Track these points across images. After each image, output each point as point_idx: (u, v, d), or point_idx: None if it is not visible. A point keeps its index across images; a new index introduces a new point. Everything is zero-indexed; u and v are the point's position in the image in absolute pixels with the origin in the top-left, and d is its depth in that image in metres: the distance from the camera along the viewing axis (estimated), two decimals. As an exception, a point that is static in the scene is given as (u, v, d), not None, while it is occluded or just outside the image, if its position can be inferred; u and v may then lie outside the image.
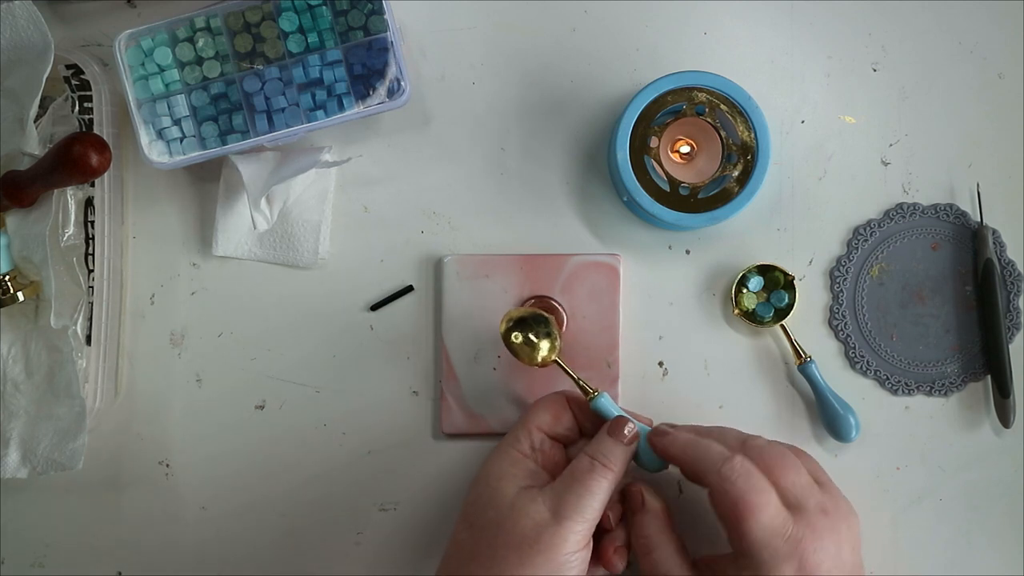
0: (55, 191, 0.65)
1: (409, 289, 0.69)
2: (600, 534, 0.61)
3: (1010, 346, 0.68)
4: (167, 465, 0.69)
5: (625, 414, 0.62)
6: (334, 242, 0.69)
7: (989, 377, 0.68)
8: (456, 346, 0.68)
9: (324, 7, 0.64)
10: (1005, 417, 0.67)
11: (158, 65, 0.64)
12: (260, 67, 0.64)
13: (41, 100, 0.64)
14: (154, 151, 0.65)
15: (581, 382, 0.62)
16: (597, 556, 0.62)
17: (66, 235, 0.66)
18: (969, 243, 0.69)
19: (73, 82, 0.66)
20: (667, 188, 0.65)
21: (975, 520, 0.68)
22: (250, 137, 0.65)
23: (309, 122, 0.65)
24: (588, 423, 0.63)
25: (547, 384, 0.67)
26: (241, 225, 0.68)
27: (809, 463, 0.61)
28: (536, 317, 0.63)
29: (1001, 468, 0.68)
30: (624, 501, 0.63)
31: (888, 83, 0.69)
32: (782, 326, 0.68)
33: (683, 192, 0.65)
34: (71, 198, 0.66)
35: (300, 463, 0.69)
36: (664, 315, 0.69)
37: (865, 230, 0.69)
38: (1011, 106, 0.69)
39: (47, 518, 0.69)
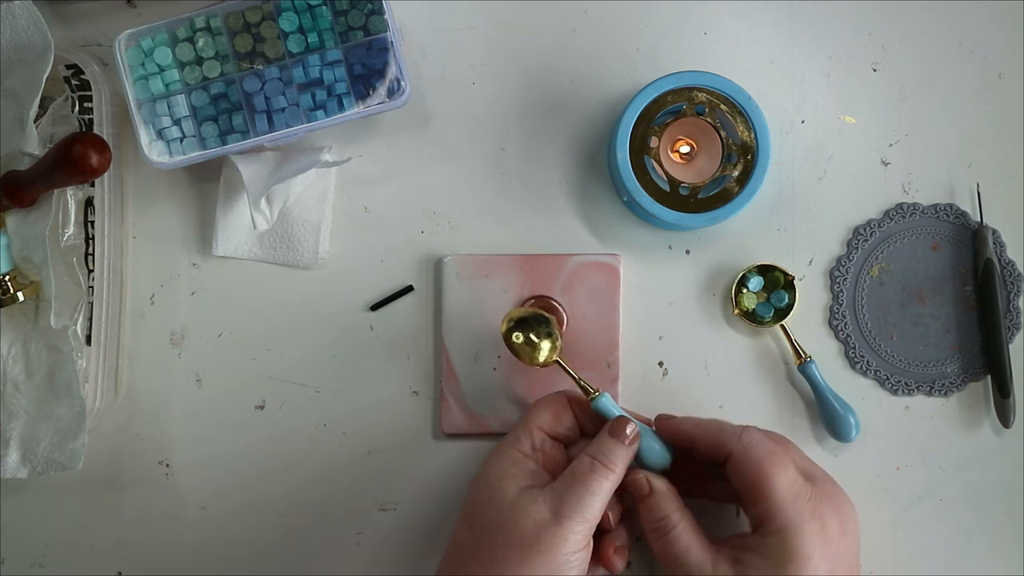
0: (55, 191, 0.65)
1: (409, 289, 0.69)
2: (600, 534, 0.61)
3: (1010, 346, 0.68)
4: (167, 465, 0.69)
5: (626, 414, 0.62)
6: (334, 242, 0.69)
7: (989, 377, 0.68)
8: (456, 346, 0.68)
9: (324, 7, 0.64)
10: (1005, 417, 0.67)
11: (158, 65, 0.64)
12: (260, 67, 0.64)
13: (41, 100, 0.64)
14: (154, 151, 0.65)
15: (582, 382, 0.62)
16: (597, 556, 0.62)
17: (66, 235, 0.65)
18: (969, 243, 0.69)
19: (73, 82, 0.66)
20: (667, 188, 0.65)
21: (975, 520, 0.68)
22: (250, 137, 0.65)
23: (309, 122, 0.65)
24: (589, 423, 0.63)
25: (548, 384, 0.67)
26: (241, 225, 0.68)
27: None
28: (537, 317, 0.63)
29: (1001, 468, 0.68)
30: (623, 497, 0.63)
31: (888, 83, 0.69)
32: (782, 326, 0.68)
33: (683, 192, 0.65)
34: (71, 198, 0.66)
35: (300, 463, 0.69)
36: (664, 315, 0.69)
37: (865, 230, 0.69)
38: (1011, 106, 0.69)
39: (47, 518, 0.69)
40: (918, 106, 0.69)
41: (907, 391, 0.69)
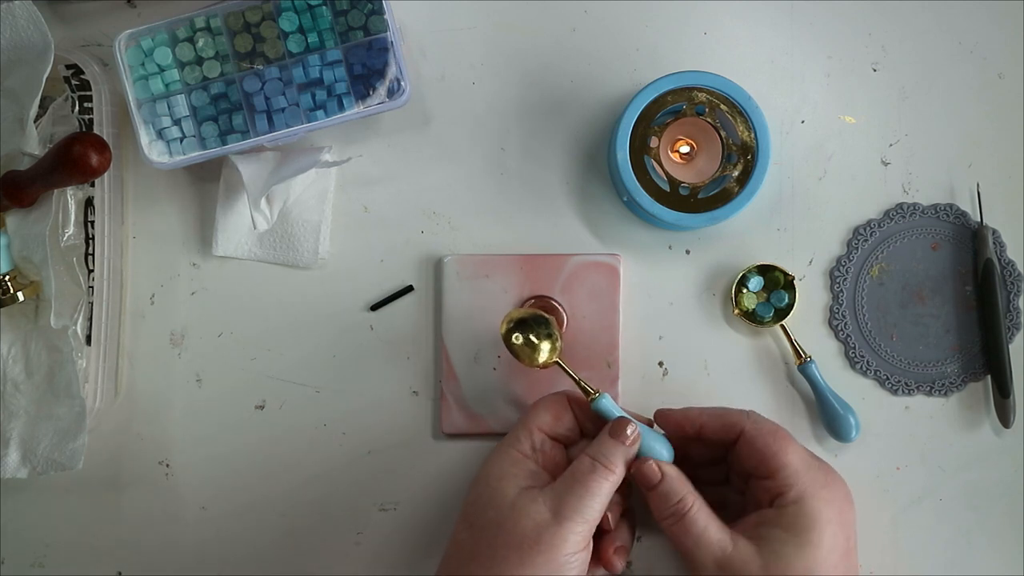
0: (55, 191, 0.65)
1: (409, 289, 0.69)
2: (599, 535, 0.61)
3: (1010, 346, 0.68)
4: (167, 465, 0.69)
5: (626, 415, 0.62)
6: (334, 242, 0.69)
7: (989, 377, 0.68)
8: (456, 346, 0.68)
9: (324, 7, 0.64)
10: (1005, 417, 0.67)
11: (158, 65, 0.64)
12: (260, 67, 0.64)
13: (41, 100, 0.64)
14: (154, 151, 0.65)
15: (582, 383, 0.62)
16: (597, 556, 0.62)
17: (66, 235, 0.65)
18: (969, 243, 0.69)
19: (73, 82, 0.66)
20: (667, 188, 0.65)
21: (975, 520, 0.68)
22: (250, 137, 0.65)
23: (309, 122, 0.65)
24: (589, 423, 0.63)
25: (547, 384, 0.67)
26: (241, 225, 0.68)
27: None
28: (536, 318, 0.63)
29: (1001, 468, 0.68)
30: (624, 497, 0.63)
31: (888, 83, 0.69)
32: (782, 326, 0.68)
33: (683, 192, 0.65)
34: (71, 198, 0.66)
35: (300, 463, 0.69)
36: (664, 315, 0.69)
37: (865, 230, 0.69)
38: (1011, 106, 0.69)
39: (47, 518, 0.69)
40: (918, 106, 0.69)
41: (907, 391, 0.69)
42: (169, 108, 0.64)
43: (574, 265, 0.68)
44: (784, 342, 0.68)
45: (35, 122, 0.65)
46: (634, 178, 0.64)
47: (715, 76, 0.64)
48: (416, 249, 0.69)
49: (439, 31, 0.69)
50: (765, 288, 0.68)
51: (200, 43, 0.64)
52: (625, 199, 0.67)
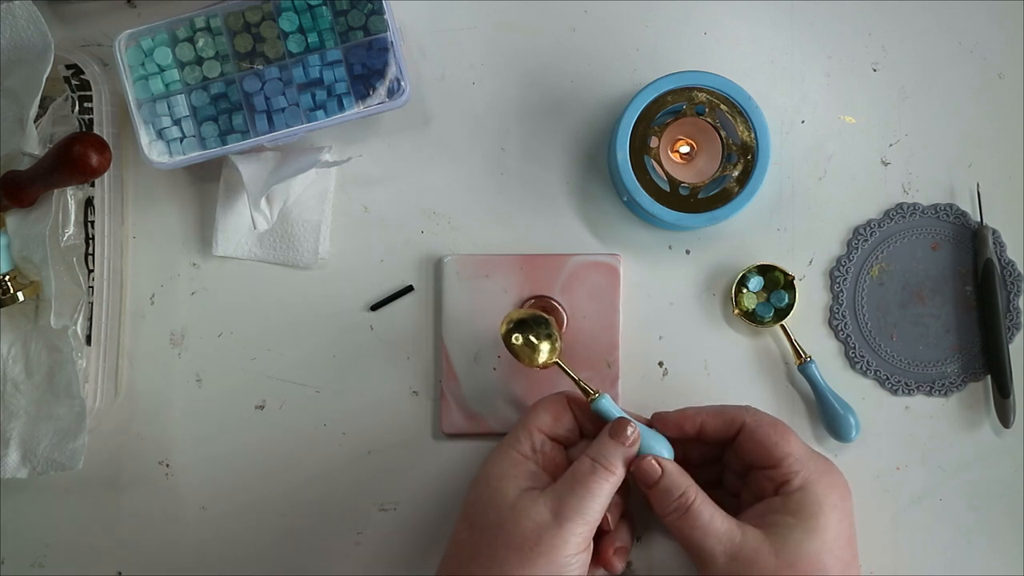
0: (55, 191, 0.65)
1: (409, 289, 0.69)
2: (599, 535, 0.61)
3: (1010, 346, 0.68)
4: (167, 465, 0.69)
5: (626, 415, 0.62)
6: (334, 242, 0.69)
7: (989, 377, 0.68)
8: (456, 346, 0.68)
9: (324, 7, 0.64)
10: (1005, 417, 0.67)
11: (158, 65, 0.64)
12: (260, 67, 0.64)
13: (41, 100, 0.64)
14: (154, 151, 0.65)
15: (582, 383, 0.62)
16: (597, 557, 0.62)
17: (66, 235, 0.65)
18: (969, 243, 0.69)
19: (73, 82, 0.66)
20: (667, 188, 0.65)
21: (975, 520, 0.68)
22: (250, 137, 0.65)
23: (309, 122, 0.65)
24: (589, 424, 0.63)
25: (547, 384, 0.67)
26: (241, 225, 0.68)
27: None
28: (536, 319, 0.63)
29: (1001, 468, 0.68)
30: (624, 496, 0.63)
31: (888, 83, 0.69)
32: (782, 326, 0.68)
33: (683, 192, 0.65)
34: (71, 198, 0.66)
35: (300, 463, 0.69)
36: (664, 315, 0.69)
37: (865, 230, 0.69)
38: (1011, 106, 0.69)
39: (47, 518, 0.69)
40: (918, 106, 0.69)
41: (907, 391, 0.69)
42: (169, 108, 0.64)
43: (574, 265, 0.68)
44: (784, 342, 0.68)
45: (35, 122, 0.65)
46: (634, 178, 0.64)
47: (715, 76, 0.64)
48: (416, 249, 0.69)
49: (439, 31, 0.69)
50: (765, 288, 0.68)
51: (200, 43, 0.64)
52: (625, 199, 0.67)
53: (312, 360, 0.69)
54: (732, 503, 0.63)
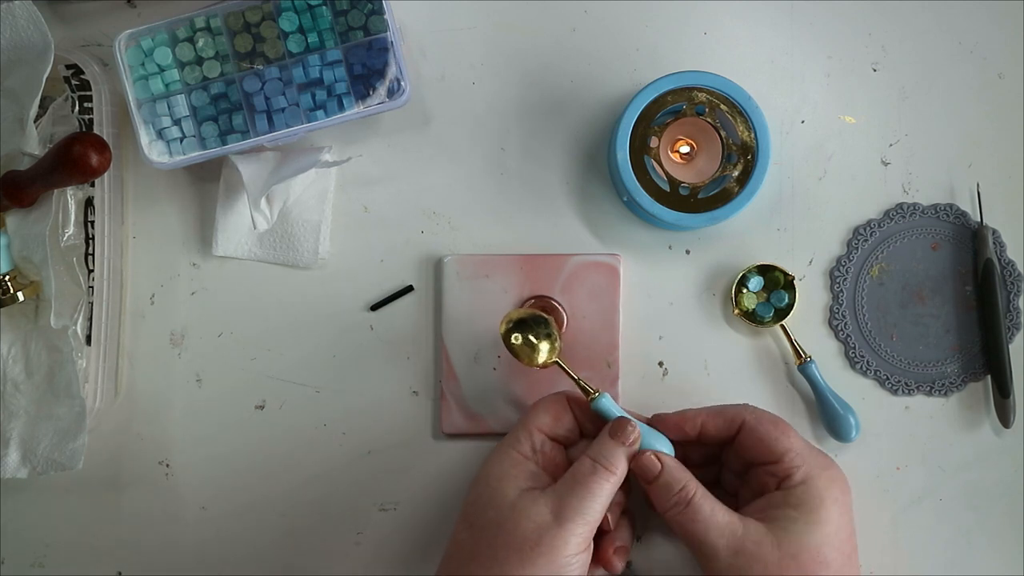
0: (55, 191, 0.65)
1: (409, 289, 0.69)
2: (599, 535, 0.61)
3: (1010, 346, 0.68)
4: (167, 465, 0.69)
5: (627, 414, 0.62)
6: (334, 242, 0.69)
7: (989, 377, 0.68)
8: (456, 346, 0.68)
9: (324, 7, 0.64)
10: (1005, 417, 0.67)
11: (158, 65, 0.64)
12: (260, 67, 0.64)
13: (41, 100, 0.64)
14: (154, 151, 0.65)
15: (582, 383, 0.62)
16: (597, 557, 0.62)
17: (66, 235, 0.65)
18: (969, 243, 0.69)
19: (73, 82, 0.66)
20: (667, 188, 0.65)
21: (975, 520, 0.68)
22: (250, 137, 0.65)
23: (309, 122, 0.65)
24: (589, 424, 0.63)
25: (547, 384, 0.67)
26: (241, 225, 0.68)
27: None
28: (536, 318, 0.63)
29: (1001, 468, 0.68)
30: (626, 495, 0.63)
31: (888, 83, 0.69)
32: (782, 326, 0.68)
33: (683, 192, 0.65)
34: (71, 198, 0.66)
35: (300, 463, 0.69)
36: (664, 315, 0.69)
37: (865, 230, 0.69)
38: (1011, 106, 0.69)
39: (47, 518, 0.69)
40: (918, 106, 0.69)
41: (907, 391, 0.69)
42: (169, 108, 0.64)
43: (574, 265, 0.68)
44: (784, 342, 0.68)
45: (35, 122, 0.65)
46: (634, 178, 0.64)
47: (715, 76, 0.64)
48: (416, 249, 0.69)
49: (439, 31, 0.69)
50: (765, 288, 0.68)
51: (200, 43, 0.64)
52: (625, 199, 0.67)
53: (312, 360, 0.69)
54: (730, 502, 0.63)
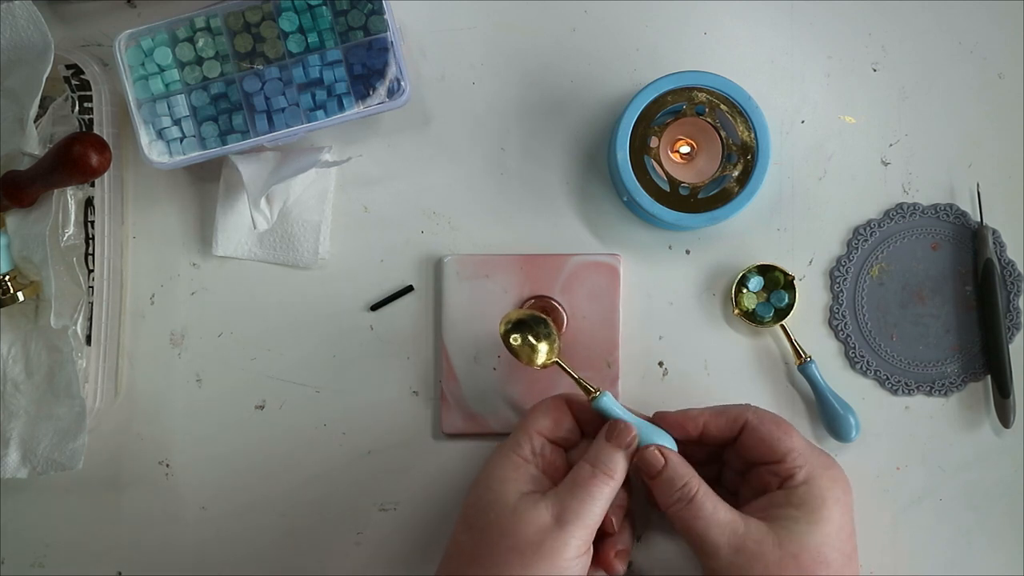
0: (55, 191, 0.65)
1: (409, 289, 0.69)
2: (600, 537, 0.61)
3: (1010, 346, 0.68)
4: (167, 465, 0.69)
5: (628, 413, 0.62)
6: (334, 242, 0.69)
7: (989, 377, 0.68)
8: (456, 346, 0.68)
9: (324, 7, 0.64)
10: (1005, 417, 0.67)
11: (158, 65, 0.64)
12: (260, 67, 0.64)
13: (41, 100, 0.64)
14: (154, 151, 0.65)
15: (582, 382, 0.62)
16: (598, 560, 0.62)
17: (66, 235, 0.65)
18: (969, 243, 0.69)
19: (73, 82, 0.66)
20: (667, 188, 0.65)
21: (975, 520, 0.68)
22: (250, 137, 0.65)
23: (309, 122, 0.65)
24: (589, 424, 0.63)
25: (548, 384, 0.67)
26: (241, 225, 0.68)
27: None
28: (535, 319, 0.63)
29: (1001, 468, 0.68)
30: (628, 496, 0.63)
31: (888, 83, 0.69)
32: (782, 326, 0.68)
33: (683, 192, 0.65)
34: (71, 198, 0.66)
35: (300, 463, 0.69)
36: (664, 315, 0.69)
37: (865, 230, 0.69)
38: (1011, 106, 0.69)
39: (47, 518, 0.69)
40: (918, 106, 0.69)
41: (907, 391, 0.69)
42: (169, 108, 0.64)
43: (574, 265, 0.68)
44: (784, 342, 0.68)
45: (35, 122, 0.65)
46: (634, 178, 0.64)
47: (715, 76, 0.64)
48: (416, 249, 0.69)
49: (439, 31, 0.69)
50: (765, 288, 0.68)
51: (200, 43, 0.64)
52: (625, 199, 0.67)
53: (312, 360, 0.69)
54: (731, 500, 0.63)
